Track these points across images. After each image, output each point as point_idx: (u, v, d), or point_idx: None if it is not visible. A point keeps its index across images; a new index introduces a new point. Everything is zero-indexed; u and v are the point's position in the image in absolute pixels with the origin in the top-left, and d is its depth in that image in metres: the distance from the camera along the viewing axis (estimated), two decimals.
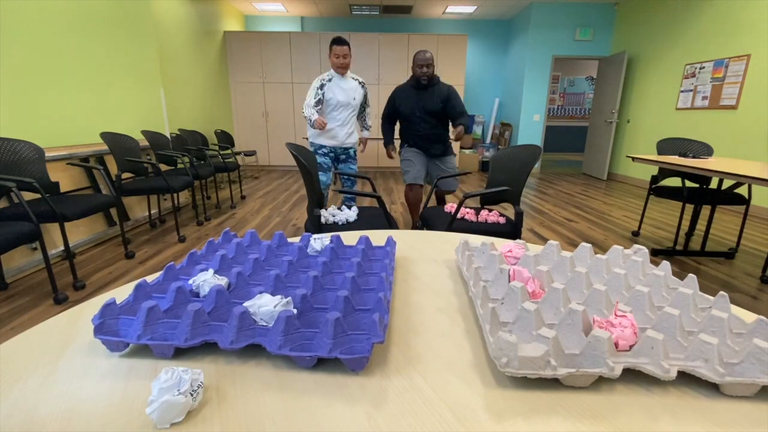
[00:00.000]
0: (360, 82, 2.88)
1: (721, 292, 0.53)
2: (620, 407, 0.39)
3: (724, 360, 0.42)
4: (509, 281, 0.60)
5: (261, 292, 0.56)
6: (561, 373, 0.41)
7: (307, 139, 5.22)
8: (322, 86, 2.80)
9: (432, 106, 2.78)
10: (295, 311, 0.50)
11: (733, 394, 0.41)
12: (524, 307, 0.47)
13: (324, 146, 2.90)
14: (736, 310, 0.57)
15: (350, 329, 0.48)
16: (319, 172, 2.99)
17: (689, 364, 0.42)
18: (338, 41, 2.69)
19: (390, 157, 3.08)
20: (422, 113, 2.81)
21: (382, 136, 3.15)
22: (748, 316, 0.56)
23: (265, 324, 0.49)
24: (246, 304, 0.51)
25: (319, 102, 2.79)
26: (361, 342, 0.47)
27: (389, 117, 3.00)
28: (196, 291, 0.59)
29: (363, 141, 3.21)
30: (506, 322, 0.51)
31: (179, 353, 0.48)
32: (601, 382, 0.43)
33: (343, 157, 2.98)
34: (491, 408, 0.39)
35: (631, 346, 0.44)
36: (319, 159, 2.90)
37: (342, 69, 2.77)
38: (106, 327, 0.49)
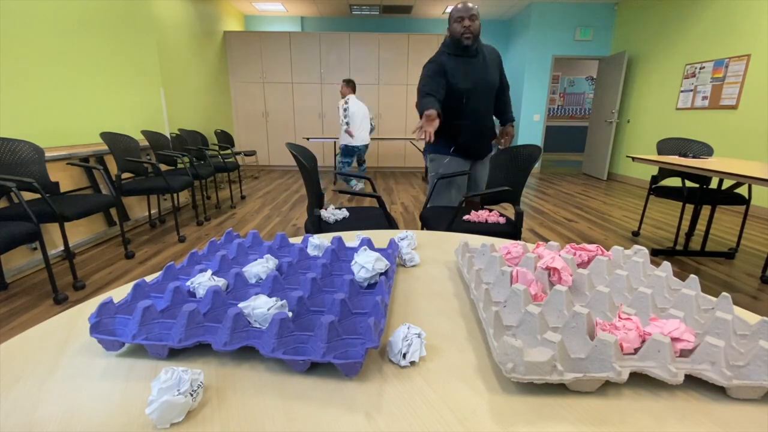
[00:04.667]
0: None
1: (724, 293, 0.53)
2: (627, 412, 0.39)
3: (730, 363, 0.41)
4: (511, 283, 0.59)
5: (258, 293, 0.55)
6: (568, 378, 0.40)
7: (308, 139, 5.37)
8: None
9: (492, 77, 1.97)
10: (290, 314, 0.50)
11: (739, 397, 0.40)
12: (528, 311, 0.47)
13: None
14: (737, 310, 0.56)
15: (346, 333, 0.47)
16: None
17: (696, 367, 0.42)
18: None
19: (432, 118, 1.75)
20: (485, 89, 1.97)
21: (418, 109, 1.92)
22: (750, 317, 0.56)
23: (259, 326, 0.49)
24: (241, 305, 0.50)
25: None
26: (356, 347, 0.46)
27: (432, 92, 1.88)
28: (194, 291, 0.59)
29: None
30: (510, 325, 0.50)
31: (175, 354, 0.48)
32: (607, 386, 0.42)
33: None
34: (496, 413, 0.39)
35: (636, 350, 0.43)
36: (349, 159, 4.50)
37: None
38: (102, 326, 0.48)
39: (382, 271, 0.64)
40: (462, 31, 1.90)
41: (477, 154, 2.12)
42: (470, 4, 1.91)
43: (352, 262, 0.65)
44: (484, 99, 2.00)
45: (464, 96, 1.95)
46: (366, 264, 0.63)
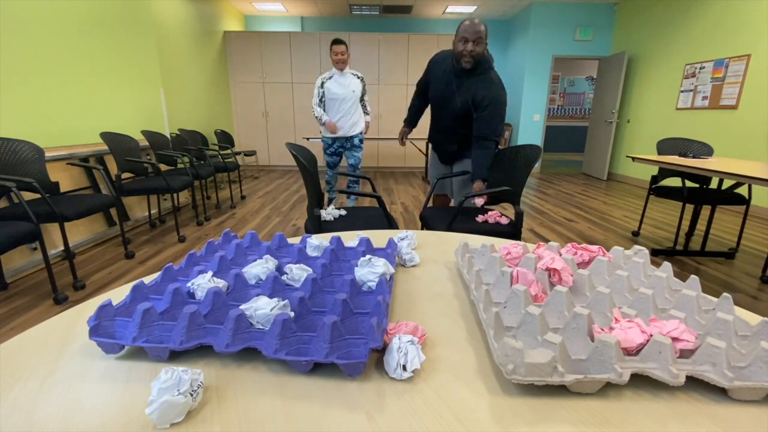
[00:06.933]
0: (359, 77, 3.26)
1: (725, 294, 0.53)
2: (628, 413, 0.39)
3: (731, 364, 0.41)
4: (512, 284, 0.59)
5: (258, 295, 0.55)
6: (568, 379, 0.40)
7: (308, 139, 5.30)
8: (322, 84, 3.19)
9: (464, 99, 1.92)
10: (292, 314, 0.50)
11: (741, 398, 0.40)
12: (528, 312, 0.47)
13: (332, 140, 3.32)
14: (738, 311, 0.56)
15: (348, 333, 0.47)
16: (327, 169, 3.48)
17: (697, 368, 0.41)
18: (336, 42, 3.07)
19: (401, 143, 2.49)
20: (451, 101, 1.97)
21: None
22: (750, 317, 0.56)
23: (261, 327, 0.49)
24: (242, 306, 0.50)
25: (322, 100, 3.22)
26: (359, 347, 0.45)
27: (419, 90, 2.23)
28: (193, 293, 0.58)
29: (366, 125, 3.46)
30: (510, 326, 0.50)
31: (175, 356, 0.48)
32: (608, 387, 0.42)
33: (348, 145, 3.35)
34: (497, 414, 0.39)
35: (638, 351, 0.43)
36: (327, 159, 3.40)
37: (340, 65, 3.11)
38: (101, 329, 0.48)
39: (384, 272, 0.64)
40: (461, 53, 1.81)
41: (439, 149, 2.24)
42: (480, 28, 1.76)
43: (356, 275, 0.65)
44: (449, 107, 1.98)
45: (432, 98, 2.10)
46: (368, 275, 0.63)
